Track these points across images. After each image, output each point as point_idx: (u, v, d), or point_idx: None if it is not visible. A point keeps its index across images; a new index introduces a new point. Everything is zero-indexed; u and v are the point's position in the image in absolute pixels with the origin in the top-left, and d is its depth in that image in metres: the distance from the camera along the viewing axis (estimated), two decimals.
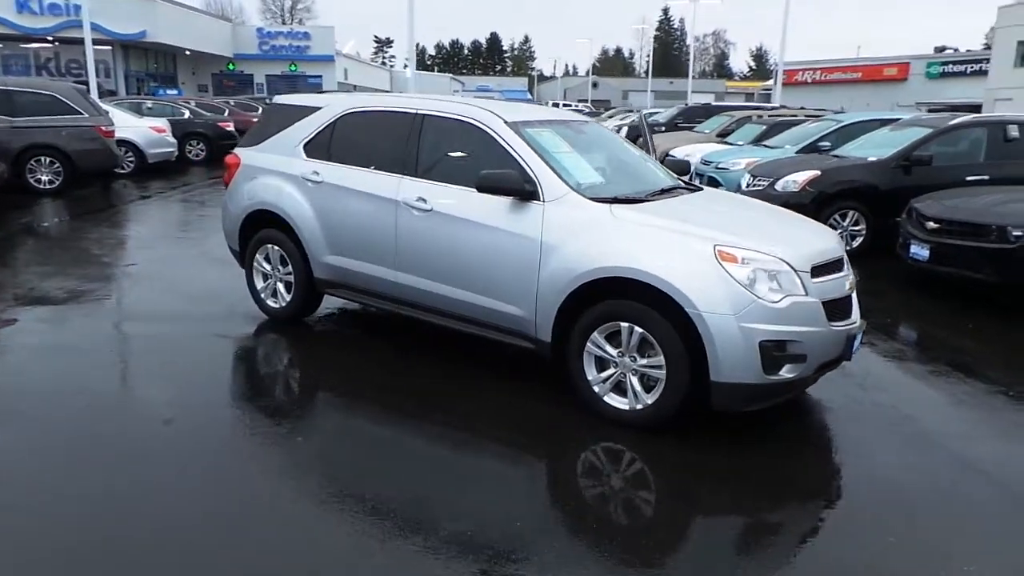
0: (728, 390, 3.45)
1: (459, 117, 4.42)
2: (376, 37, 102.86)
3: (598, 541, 2.78)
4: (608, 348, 3.73)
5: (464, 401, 4.05)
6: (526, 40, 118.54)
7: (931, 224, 6.38)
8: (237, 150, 5.56)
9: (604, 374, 3.78)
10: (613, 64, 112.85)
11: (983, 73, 35.77)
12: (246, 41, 44.52)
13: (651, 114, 20.30)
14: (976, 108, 25.01)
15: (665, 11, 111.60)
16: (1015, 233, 5.75)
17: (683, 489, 3.25)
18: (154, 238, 8.56)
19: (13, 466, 3.20)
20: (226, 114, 18.46)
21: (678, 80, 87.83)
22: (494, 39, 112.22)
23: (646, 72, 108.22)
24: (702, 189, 4.77)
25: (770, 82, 53.50)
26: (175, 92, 28.56)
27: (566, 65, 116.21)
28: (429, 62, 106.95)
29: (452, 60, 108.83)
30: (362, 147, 4.86)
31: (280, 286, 5.27)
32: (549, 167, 4.05)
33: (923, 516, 3.04)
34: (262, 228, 5.28)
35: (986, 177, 7.83)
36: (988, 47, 72.63)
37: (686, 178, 5.35)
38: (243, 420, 3.81)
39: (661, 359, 3.55)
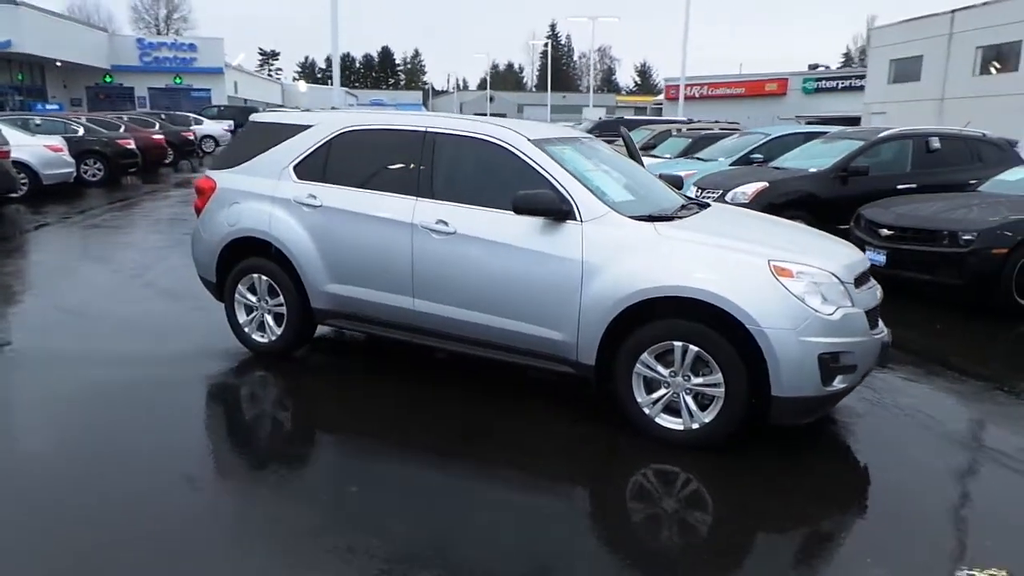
0: (788, 404, 3.49)
1: (477, 135, 4.26)
2: (261, 49, 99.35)
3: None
4: (660, 368, 3.68)
5: (501, 433, 3.88)
6: (416, 54, 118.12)
7: (885, 231, 6.79)
8: (211, 173, 5.12)
9: (655, 395, 3.72)
10: (505, 78, 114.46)
11: (853, 89, 38.98)
12: (125, 52, 41.80)
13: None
14: (853, 120, 27.14)
15: (552, 27, 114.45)
16: (965, 238, 6.21)
17: (757, 503, 3.24)
18: (83, 271, 7.74)
19: None
20: (122, 130, 17.16)
21: (571, 94, 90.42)
22: (386, 53, 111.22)
23: (535, 87, 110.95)
24: (710, 204, 4.84)
25: (660, 96, 56.02)
26: (56, 107, 26.29)
27: (456, 79, 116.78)
28: (320, 75, 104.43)
29: (344, 73, 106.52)
30: (364, 168, 4.59)
31: (269, 319, 4.88)
32: (583, 186, 3.97)
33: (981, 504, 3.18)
34: (245, 257, 4.89)
35: (914, 185, 8.44)
36: (848, 64, 79.22)
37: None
38: (266, 479, 3.47)
39: (719, 377, 3.54)
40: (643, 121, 18.18)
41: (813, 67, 47.44)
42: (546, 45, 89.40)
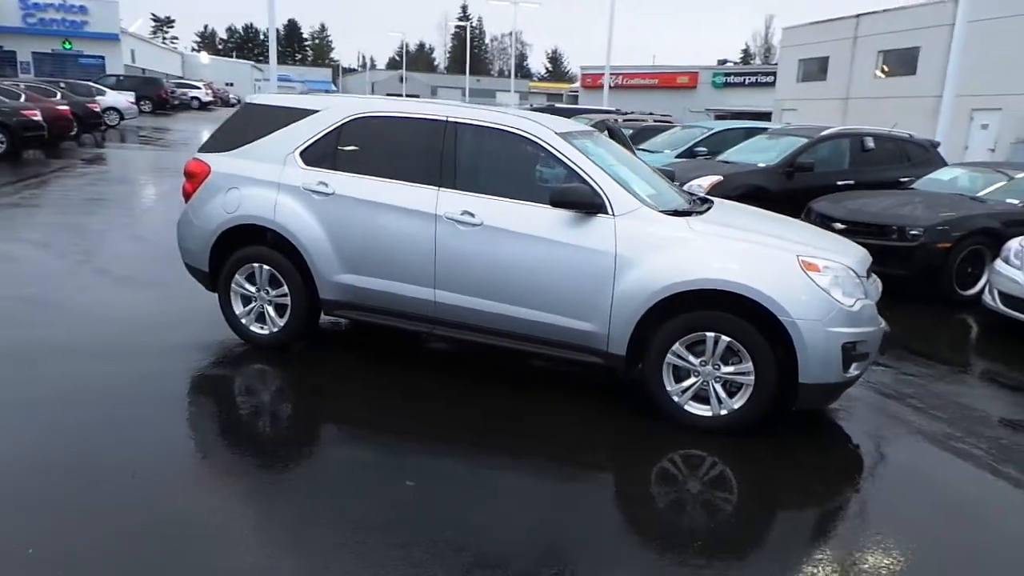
0: (814, 390, 3.74)
1: (503, 127, 4.26)
2: (154, 15, 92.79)
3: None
4: (690, 358, 3.85)
5: (529, 422, 3.95)
6: (323, 29, 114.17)
7: (838, 225, 7.27)
8: (204, 156, 4.86)
9: (684, 384, 3.89)
10: (416, 59, 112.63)
11: (760, 85, 40.95)
12: (6, 11, 38.14)
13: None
14: (763, 116, 28.59)
15: (464, 8, 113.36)
16: (913, 232, 6.77)
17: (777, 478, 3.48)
18: (24, 255, 7.10)
19: None
20: (23, 99, 15.77)
21: (485, 78, 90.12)
22: (292, 26, 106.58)
23: (446, 68, 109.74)
24: (712, 200, 5.04)
25: (576, 84, 56.79)
26: None
27: (363, 57, 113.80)
28: (221, 47, 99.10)
29: (247, 46, 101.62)
30: (379, 156, 4.50)
31: (270, 309, 4.71)
32: (613, 180, 4.06)
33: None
34: (244, 245, 4.69)
35: (852, 182, 9.07)
36: (747, 60, 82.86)
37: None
38: (318, 476, 3.40)
39: (749, 366, 3.74)
40: (572, 110, 18.42)
41: (722, 62, 49.56)
42: (462, 28, 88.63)
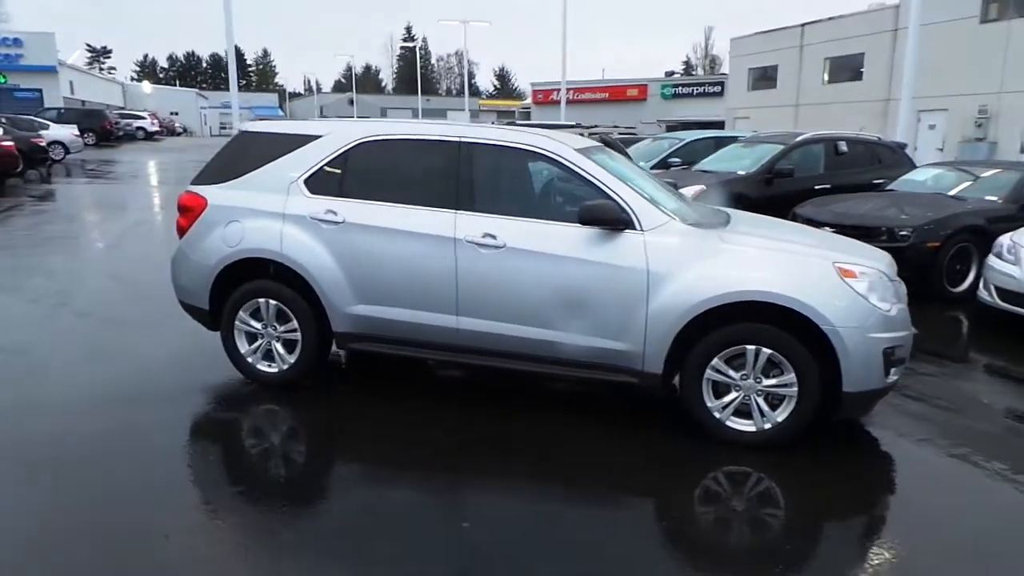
0: (857, 398, 3.69)
1: (520, 145, 4.15)
2: (89, 46, 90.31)
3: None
4: (730, 372, 3.77)
5: (564, 454, 3.81)
6: (265, 54, 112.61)
7: (827, 228, 7.35)
8: (197, 189, 4.61)
9: (725, 399, 3.81)
10: (363, 81, 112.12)
11: (708, 95, 41.86)
12: None
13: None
14: (714, 124, 29.20)
15: (408, 30, 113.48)
16: (902, 233, 6.87)
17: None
18: None
19: None
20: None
21: (434, 97, 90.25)
22: (236, 52, 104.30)
23: (394, 89, 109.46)
24: (727, 211, 4.99)
25: (528, 101, 57.22)
26: None
27: (308, 81, 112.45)
28: (162, 75, 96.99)
29: (189, 73, 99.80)
30: (389, 180, 4.34)
31: (278, 346, 4.47)
32: (639, 195, 3.98)
33: None
34: (248, 280, 4.46)
35: (828, 186, 9.22)
36: (689, 71, 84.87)
37: None
38: (375, 523, 3.19)
39: (791, 377, 3.68)
40: (539, 126, 18.44)
41: (669, 74, 50.63)
42: (408, 49, 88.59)
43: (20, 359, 5.06)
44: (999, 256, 6.07)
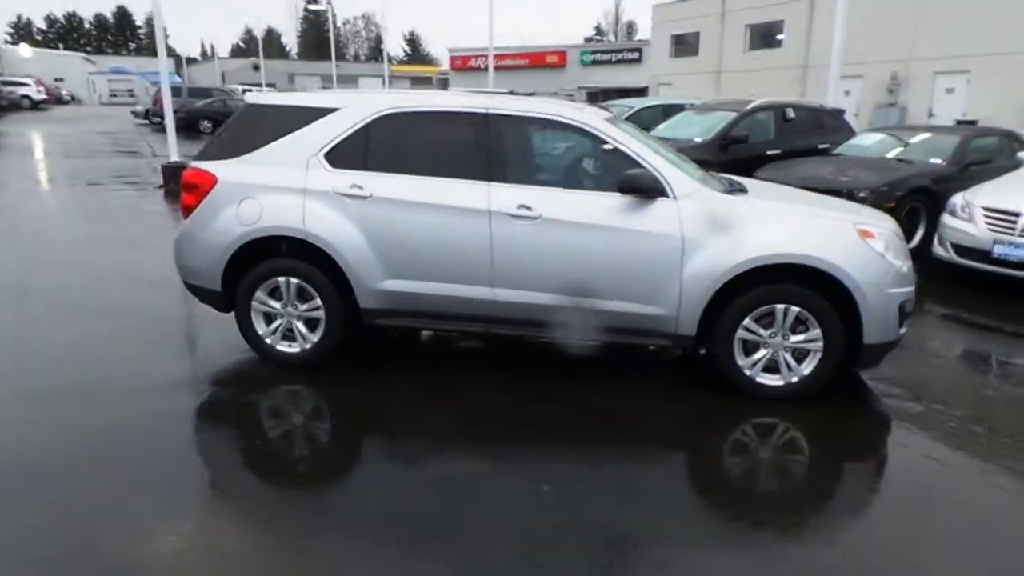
0: (875, 350, 3.99)
1: (550, 116, 4.18)
2: None
3: None
4: (760, 331, 3.99)
5: (605, 411, 3.97)
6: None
7: None
8: (206, 165, 4.40)
9: (754, 356, 4.03)
10: (267, 46, 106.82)
11: (626, 62, 42.45)
12: None
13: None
14: (636, 91, 29.75)
15: None
16: (861, 195, 7.31)
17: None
18: None
19: None
20: None
21: (343, 63, 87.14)
22: (123, 13, 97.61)
23: (298, 54, 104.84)
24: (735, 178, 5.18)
25: (445, 67, 56.30)
26: None
27: (205, 45, 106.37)
28: (40, 37, 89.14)
29: (71, 36, 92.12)
30: (415, 153, 4.28)
31: (300, 325, 4.38)
32: (669, 163, 4.10)
33: None
34: (264, 259, 4.33)
35: (779, 151, 9.65)
36: (599, 36, 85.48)
37: None
38: (464, 485, 3.22)
39: (817, 332, 3.93)
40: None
41: (588, 40, 50.90)
42: (312, 12, 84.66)
43: (13, 353, 4.72)
44: (953, 214, 6.59)
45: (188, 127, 24.16)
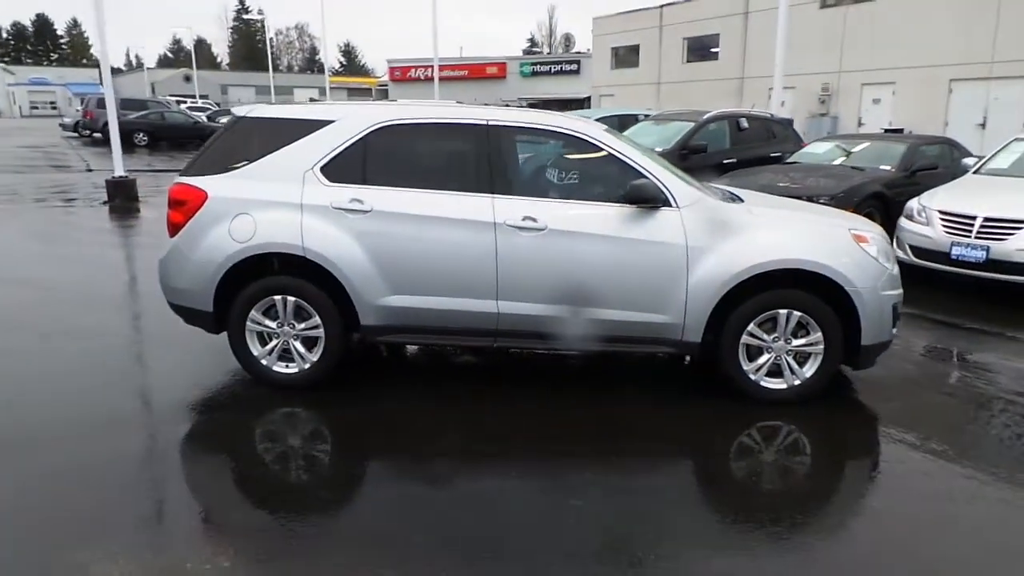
0: (872, 350, 4.14)
1: (551, 127, 4.20)
2: None
3: None
4: (763, 336, 4.09)
5: (638, 426, 3.99)
6: (75, 24, 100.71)
7: None
8: (194, 180, 4.22)
9: (759, 361, 4.12)
10: (196, 56, 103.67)
11: (565, 73, 43.09)
12: None
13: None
14: (576, 102, 30.21)
15: (242, 1, 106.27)
16: (822, 200, 7.61)
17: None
18: None
19: None
20: None
21: (278, 74, 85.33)
22: (43, 21, 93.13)
23: (229, 65, 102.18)
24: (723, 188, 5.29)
25: (384, 78, 55.90)
26: None
27: (130, 55, 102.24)
28: None
29: None
30: (415, 166, 4.24)
31: (297, 345, 4.24)
32: (672, 173, 4.17)
33: None
34: (254, 278, 4.18)
35: (735, 160, 9.96)
36: (533, 48, 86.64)
37: None
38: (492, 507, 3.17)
39: (818, 335, 4.05)
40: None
41: (527, 52, 51.46)
42: (243, 21, 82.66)
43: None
44: (910, 218, 6.92)
45: (122, 140, 23.12)
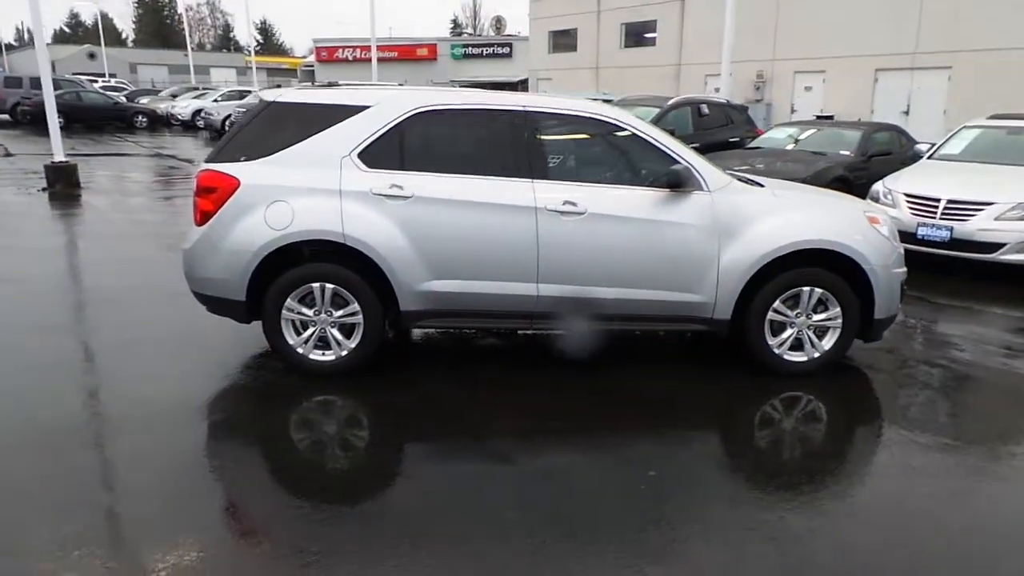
0: (883, 324, 4.46)
1: (587, 114, 4.30)
2: None
3: None
4: (787, 312, 4.33)
5: (680, 402, 4.17)
6: None
7: None
8: (224, 167, 4.09)
9: (782, 336, 4.37)
10: (95, 32, 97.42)
11: (497, 56, 43.04)
12: None
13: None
14: (505, 86, 30.19)
15: None
16: None
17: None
18: None
19: None
20: None
21: (193, 53, 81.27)
22: None
23: (135, 42, 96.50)
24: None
25: (311, 58, 54.20)
26: None
27: (21, 29, 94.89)
28: None
29: None
30: (453, 152, 4.27)
31: (335, 332, 4.21)
32: (701, 158, 4.34)
33: None
34: (294, 265, 4.12)
35: (698, 145, 10.25)
36: (457, 30, 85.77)
37: None
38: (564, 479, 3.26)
39: (837, 311, 4.33)
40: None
41: (456, 34, 50.87)
42: None
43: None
44: (876, 200, 7.39)
45: (35, 122, 21.65)
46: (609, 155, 4.44)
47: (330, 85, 4.61)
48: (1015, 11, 16.32)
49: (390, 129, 4.14)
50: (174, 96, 31.32)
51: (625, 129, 4.29)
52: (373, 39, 24.87)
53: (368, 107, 4.17)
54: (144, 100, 31.23)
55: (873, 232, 4.36)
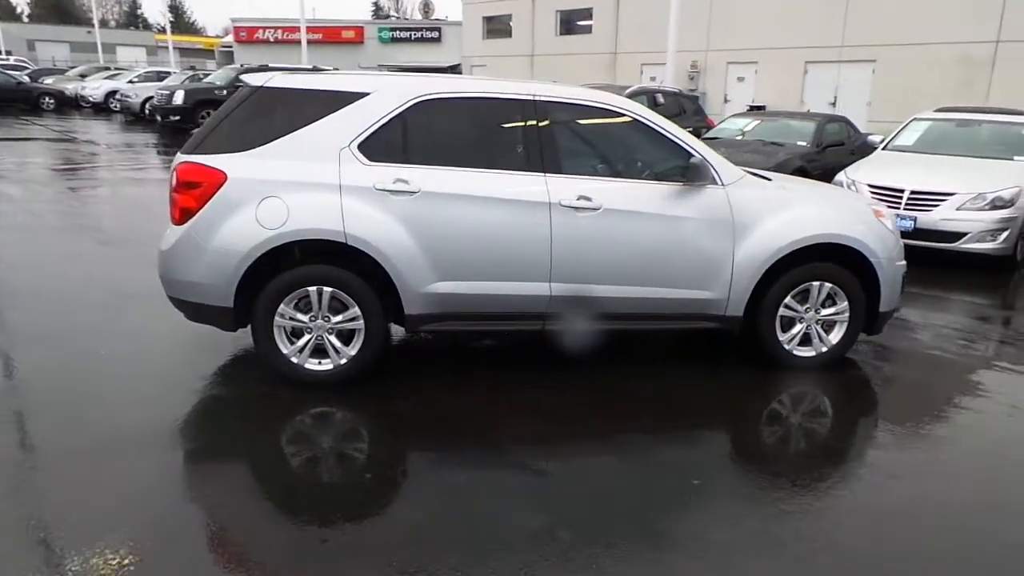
0: (886, 316, 4.49)
1: (600, 104, 4.10)
2: None
3: None
4: (797, 307, 4.29)
5: (696, 402, 4.07)
6: None
7: None
8: (208, 159, 3.68)
9: (792, 331, 4.33)
10: None
11: (427, 40, 42.23)
12: None
13: None
14: (434, 71, 29.62)
15: None
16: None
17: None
18: None
19: None
20: None
21: (99, 30, 76.24)
22: None
23: (30, 17, 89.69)
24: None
25: (229, 38, 51.80)
26: None
27: None
28: None
29: None
30: (461, 144, 4.00)
31: (333, 339, 3.88)
32: (713, 151, 4.22)
33: None
34: (288, 268, 3.77)
35: None
36: (379, 14, 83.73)
37: None
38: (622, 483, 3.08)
39: (844, 305, 4.32)
40: (302, 70, 17.01)
41: (384, 17, 49.54)
42: None
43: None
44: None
45: None
46: (622, 147, 4.26)
47: (315, 70, 4.24)
48: (936, 6, 17.13)
49: (392, 119, 3.83)
50: (83, 76, 29.14)
51: (638, 120, 4.12)
52: (303, 19, 23.93)
53: (366, 94, 3.84)
54: (49, 80, 28.92)
55: (879, 225, 4.37)
